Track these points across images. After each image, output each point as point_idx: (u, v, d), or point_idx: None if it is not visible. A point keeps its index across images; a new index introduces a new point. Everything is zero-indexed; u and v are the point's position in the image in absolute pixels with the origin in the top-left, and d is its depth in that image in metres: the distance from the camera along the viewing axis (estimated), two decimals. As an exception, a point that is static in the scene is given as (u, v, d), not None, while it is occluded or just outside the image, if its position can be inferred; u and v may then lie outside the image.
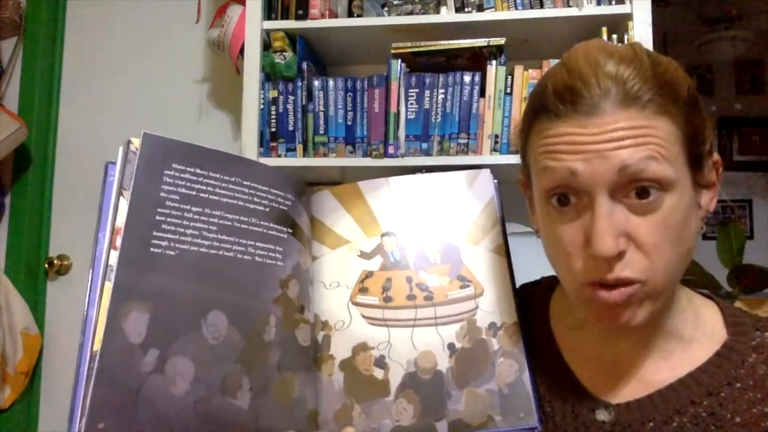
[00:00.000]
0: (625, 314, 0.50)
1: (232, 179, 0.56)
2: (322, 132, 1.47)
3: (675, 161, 0.48)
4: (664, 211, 0.48)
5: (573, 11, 1.38)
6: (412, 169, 1.40)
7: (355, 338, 0.59)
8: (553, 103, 0.50)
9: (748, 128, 3.30)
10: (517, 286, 0.71)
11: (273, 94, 1.48)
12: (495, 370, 0.57)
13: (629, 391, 0.56)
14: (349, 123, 1.47)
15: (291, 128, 1.47)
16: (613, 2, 1.38)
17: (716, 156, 0.54)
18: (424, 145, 1.42)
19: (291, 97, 1.47)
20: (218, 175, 0.55)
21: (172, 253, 0.51)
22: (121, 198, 0.51)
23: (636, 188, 0.47)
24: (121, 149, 0.52)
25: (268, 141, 1.48)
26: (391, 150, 1.41)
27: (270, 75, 1.49)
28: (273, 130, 1.48)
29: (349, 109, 1.47)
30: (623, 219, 0.48)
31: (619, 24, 1.37)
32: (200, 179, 0.54)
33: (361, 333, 0.59)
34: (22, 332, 1.71)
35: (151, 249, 0.50)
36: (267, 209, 0.58)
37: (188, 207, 0.53)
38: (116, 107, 1.87)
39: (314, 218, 0.64)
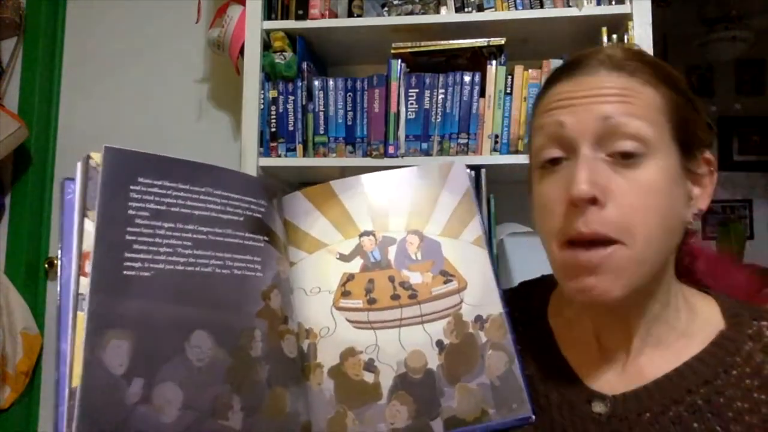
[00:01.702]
0: (602, 283, 0.50)
1: (203, 189, 0.53)
2: (322, 132, 1.47)
3: (657, 127, 0.51)
4: (644, 173, 0.50)
5: (573, 11, 1.38)
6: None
7: (342, 344, 0.57)
8: (556, 74, 0.57)
9: (748, 128, 3.30)
10: (517, 284, 0.71)
11: (273, 94, 1.48)
12: (485, 363, 0.56)
13: (625, 383, 0.57)
14: (349, 123, 1.47)
15: (291, 128, 1.47)
16: (613, 2, 1.38)
17: (708, 154, 0.56)
18: (424, 145, 1.42)
19: (291, 97, 1.48)
20: (188, 186, 0.52)
21: (147, 274, 0.48)
22: (85, 219, 0.47)
23: (618, 143, 0.50)
24: (79, 166, 0.48)
25: (268, 141, 1.48)
26: (391, 150, 1.41)
27: (270, 75, 1.49)
28: (273, 130, 1.48)
29: (349, 109, 1.47)
30: (605, 173, 0.50)
31: (619, 24, 1.37)
32: (169, 192, 0.51)
33: (347, 338, 0.57)
34: (22, 332, 1.71)
35: (125, 272, 0.47)
36: (241, 218, 0.55)
37: (159, 223, 0.50)
38: (116, 107, 1.87)
39: (288, 222, 0.62)
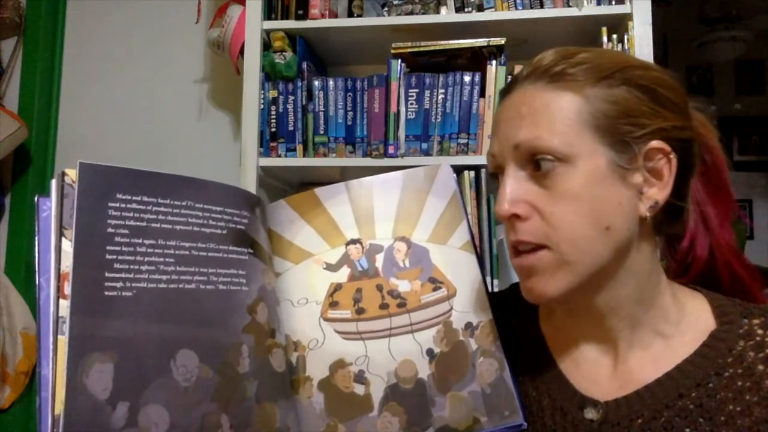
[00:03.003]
0: (538, 283, 0.54)
1: (184, 203, 0.51)
2: (322, 132, 1.47)
3: (571, 137, 0.52)
4: (561, 183, 0.52)
5: (573, 11, 1.38)
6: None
7: (331, 356, 0.56)
8: (501, 91, 0.59)
9: (748, 128, 3.30)
10: (509, 286, 0.71)
11: (273, 94, 1.48)
12: (476, 371, 0.56)
13: (617, 388, 0.56)
14: (349, 123, 1.47)
15: (291, 128, 1.47)
16: (613, 2, 1.38)
17: (658, 143, 0.53)
18: (424, 145, 1.42)
19: (291, 97, 1.47)
20: (168, 201, 0.50)
21: (129, 293, 0.47)
22: (63, 239, 0.46)
23: (534, 161, 0.53)
24: (54, 183, 0.47)
25: (268, 141, 1.48)
26: (391, 150, 1.41)
27: (270, 75, 1.49)
28: (273, 130, 1.48)
29: (349, 109, 1.47)
30: (527, 188, 0.54)
31: (619, 24, 1.37)
32: (149, 208, 0.49)
33: (336, 349, 0.57)
34: (22, 332, 1.71)
35: (106, 292, 0.46)
36: (224, 231, 0.53)
37: (140, 240, 0.48)
38: (116, 107, 1.86)
39: (272, 232, 0.60)
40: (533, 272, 0.54)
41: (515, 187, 0.54)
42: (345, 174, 1.56)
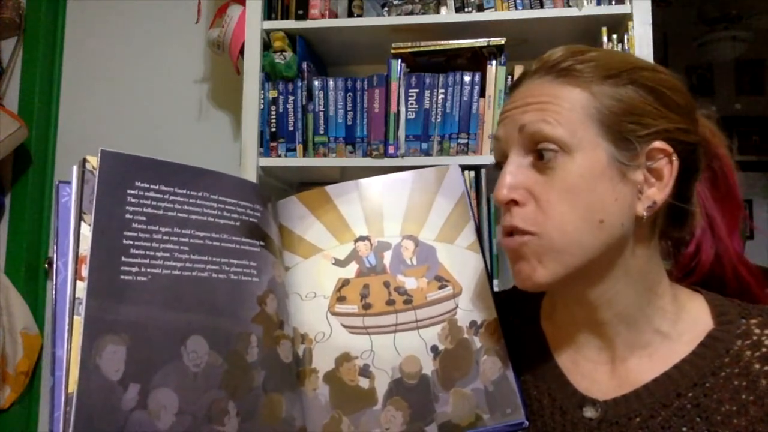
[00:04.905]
0: (526, 267, 0.54)
1: (199, 194, 0.53)
2: (322, 132, 1.47)
3: (575, 128, 0.52)
4: (560, 172, 0.52)
5: (573, 11, 1.38)
6: (411, 169, 1.40)
7: (337, 349, 0.57)
8: (509, 89, 0.60)
9: (748, 128, 3.30)
10: (512, 287, 0.71)
11: (273, 94, 1.48)
12: (479, 369, 0.57)
13: (616, 387, 0.57)
14: (349, 123, 1.47)
15: (291, 128, 1.47)
16: (613, 2, 1.38)
17: (660, 143, 0.53)
18: (424, 145, 1.42)
19: (291, 97, 1.48)
20: (184, 191, 0.52)
21: (143, 279, 0.48)
22: (82, 223, 0.47)
23: (537, 148, 0.53)
24: (75, 169, 0.48)
25: (268, 141, 1.48)
26: (391, 150, 1.41)
27: (270, 75, 1.49)
28: (273, 130, 1.48)
29: (349, 109, 1.47)
30: (527, 176, 0.54)
31: (619, 24, 1.37)
32: (166, 197, 0.51)
33: (342, 343, 0.58)
34: (22, 332, 1.71)
35: (122, 276, 0.47)
36: (237, 223, 0.55)
37: (156, 228, 0.50)
38: (116, 107, 1.87)
39: (283, 227, 0.62)
40: (523, 256, 0.54)
41: (516, 173, 0.54)
42: (345, 174, 1.56)
